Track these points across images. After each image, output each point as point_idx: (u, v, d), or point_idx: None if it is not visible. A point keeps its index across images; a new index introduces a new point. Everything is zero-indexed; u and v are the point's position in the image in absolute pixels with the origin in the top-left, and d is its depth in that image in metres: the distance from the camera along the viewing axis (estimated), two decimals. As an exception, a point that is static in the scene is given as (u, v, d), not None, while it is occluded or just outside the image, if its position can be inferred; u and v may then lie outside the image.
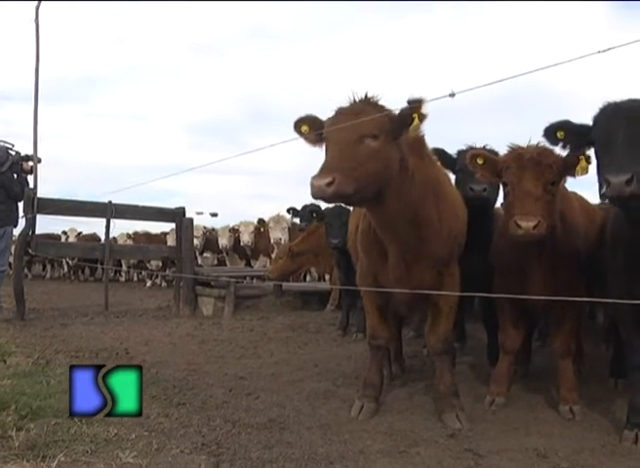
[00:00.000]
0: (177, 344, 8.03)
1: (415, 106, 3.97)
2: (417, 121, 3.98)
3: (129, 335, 8.62)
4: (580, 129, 4.02)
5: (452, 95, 3.40)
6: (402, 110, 4.04)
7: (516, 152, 4.58)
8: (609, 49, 2.58)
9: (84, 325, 9.68)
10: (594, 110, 3.86)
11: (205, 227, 18.14)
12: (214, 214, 18.35)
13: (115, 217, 11.53)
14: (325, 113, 4.17)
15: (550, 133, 4.17)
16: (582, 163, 4.27)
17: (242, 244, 16.14)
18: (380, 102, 4.09)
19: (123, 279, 21.69)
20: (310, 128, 4.23)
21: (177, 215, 12.03)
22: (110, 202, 11.20)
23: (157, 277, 19.26)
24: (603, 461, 3.91)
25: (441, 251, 4.61)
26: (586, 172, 4.29)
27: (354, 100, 4.09)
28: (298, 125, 4.28)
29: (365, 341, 5.21)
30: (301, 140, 4.25)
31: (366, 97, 4.08)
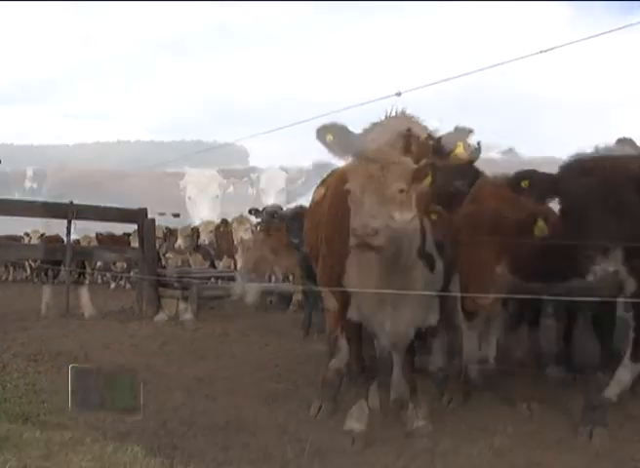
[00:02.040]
0: (137, 346, 7.95)
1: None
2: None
3: (90, 338, 8.47)
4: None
5: (398, 94, 3.41)
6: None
7: None
8: (550, 49, 2.63)
9: (44, 328, 9.50)
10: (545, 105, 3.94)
11: (167, 228, 17.98)
12: (176, 215, 18.15)
13: (77, 218, 11.40)
14: (291, 111, 4.02)
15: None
16: None
17: (198, 243, 16.12)
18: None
19: (87, 281, 21.42)
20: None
21: (139, 216, 11.91)
22: (72, 202, 11.05)
23: (121, 279, 19.03)
24: (559, 457, 3.97)
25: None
26: None
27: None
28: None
29: (326, 341, 5.19)
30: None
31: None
